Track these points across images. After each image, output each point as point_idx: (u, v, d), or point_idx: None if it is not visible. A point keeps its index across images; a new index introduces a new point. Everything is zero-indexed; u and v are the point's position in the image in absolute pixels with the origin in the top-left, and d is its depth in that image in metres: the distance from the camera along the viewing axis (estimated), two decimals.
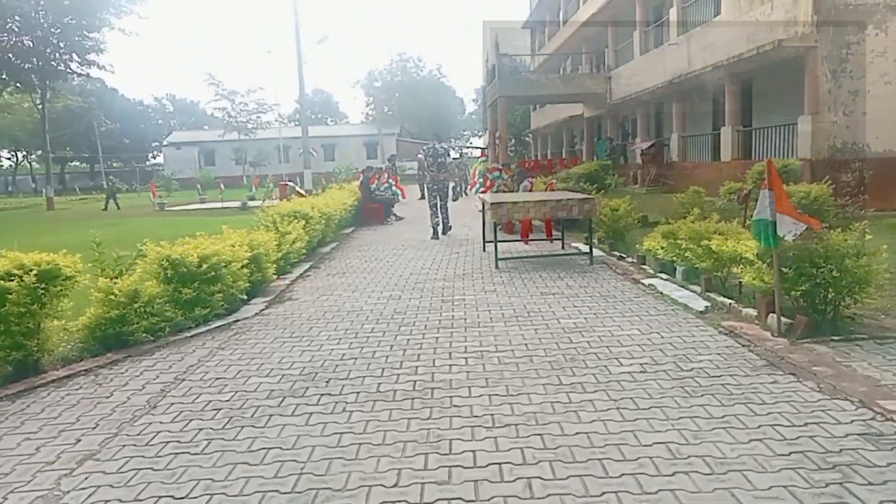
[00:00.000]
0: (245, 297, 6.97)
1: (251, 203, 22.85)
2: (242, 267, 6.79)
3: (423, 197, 27.01)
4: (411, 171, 28.83)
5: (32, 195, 60.88)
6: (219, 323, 6.16)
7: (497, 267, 8.60)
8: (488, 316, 6.03)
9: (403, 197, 19.81)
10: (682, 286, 6.68)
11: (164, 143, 62.18)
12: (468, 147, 68.38)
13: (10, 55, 34.98)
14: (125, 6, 36.74)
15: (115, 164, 77.32)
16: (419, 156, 13.63)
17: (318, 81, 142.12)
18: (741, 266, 5.42)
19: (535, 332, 5.39)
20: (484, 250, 10.26)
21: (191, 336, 5.77)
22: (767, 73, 17.08)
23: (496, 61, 27.90)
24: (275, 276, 8.02)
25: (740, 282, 5.78)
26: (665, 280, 7.11)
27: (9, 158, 72.72)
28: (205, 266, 6.14)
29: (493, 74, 28.86)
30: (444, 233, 12.75)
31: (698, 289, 6.37)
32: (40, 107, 38.14)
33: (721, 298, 5.93)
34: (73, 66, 37.09)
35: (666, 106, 24.84)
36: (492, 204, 8.43)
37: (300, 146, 60.48)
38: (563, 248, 10.26)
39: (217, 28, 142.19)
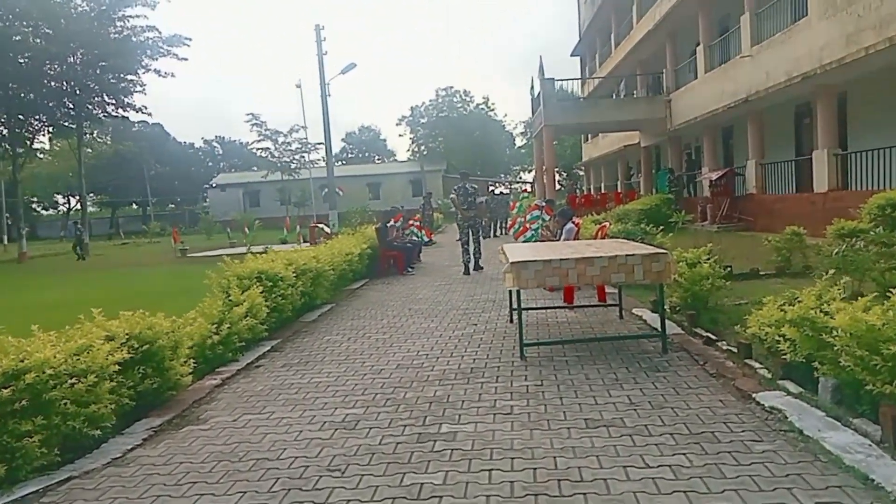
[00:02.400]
0: (119, 419, 4.44)
1: (280, 246, 20.75)
2: (111, 378, 4.29)
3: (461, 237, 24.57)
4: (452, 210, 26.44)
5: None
6: (28, 490, 3.62)
7: (523, 356, 5.87)
8: (487, 487, 3.31)
9: (429, 238, 17.24)
10: (837, 418, 3.80)
11: (210, 185, 61.63)
12: (517, 182, 65.80)
13: (46, 99, 34.48)
14: (162, 48, 35.98)
15: (168, 206, 77.93)
16: (451, 196, 13.50)
17: (365, 118, 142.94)
18: None
19: None
20: (511, 321, 7.55)
21: None
22: (868, 84, 13.99)
23: (541, 87, 25.40)
24: (188, 377, 5.46)
25: None
26: (797, 398, 4.23)
27: (64, 203, 73.86)
28: (6, 391, 3.64)
29: (538, 102, 26.35)
30: (474, 269, 12.99)
31: (873, 428, 3.51)
32: (77, 151, 37.40)
33: None
34: (109, 108, 36.41)
35: (737, 130, 21.79)
36: (513, 263, 5.74)
37: (345, 184, 59.44)
38: (620, 316, 7.46)
39: (256, 67, 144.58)
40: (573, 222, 10.28)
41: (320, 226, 23.10)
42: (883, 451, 3.31)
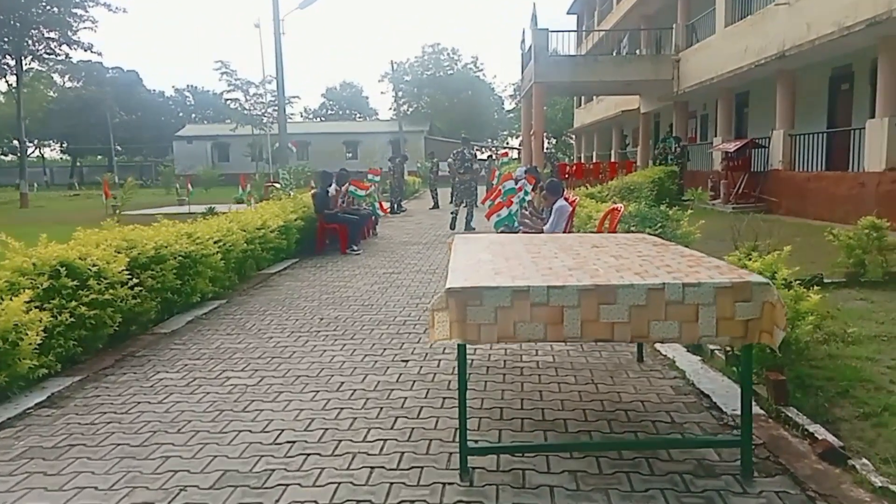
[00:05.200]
0: None
1: (235, 206, 17.57)
2: None
3: (435, 206, 21.63)
4: (443, 173, 23.73)
5: (45, 188, 57.39)
6: None
7: (465, 472, 2.98)
8: None
9: (383, 211, 14.22)
10: None
11: (176, 136, 57.60)
12: (505, 148, 62.47)
13: None
14: None
15: (135, 159, 73.70)
16: (448, 160, 14.68)
17: (347, 73, 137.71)
18: None
19: None
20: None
21: None
22: None
23: (533, 39, 22.19)
24: None
25: None
26: None
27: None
28: None
29: (528, 56, 23.17)
30: (465, 229, 12.87)
31: None
32: (16, 91, 33.56)
33: None
34: (52, 45, 32.59)
35: (754, 96, 18.87)
36: (451, 292, 2.80)
37: (320, 142, 55.88)
38: (639, 357, 4.60)
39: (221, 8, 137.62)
40: (565, 199, 7.37)
41: (276, 185, 20.04)
42: None
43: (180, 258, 6.20)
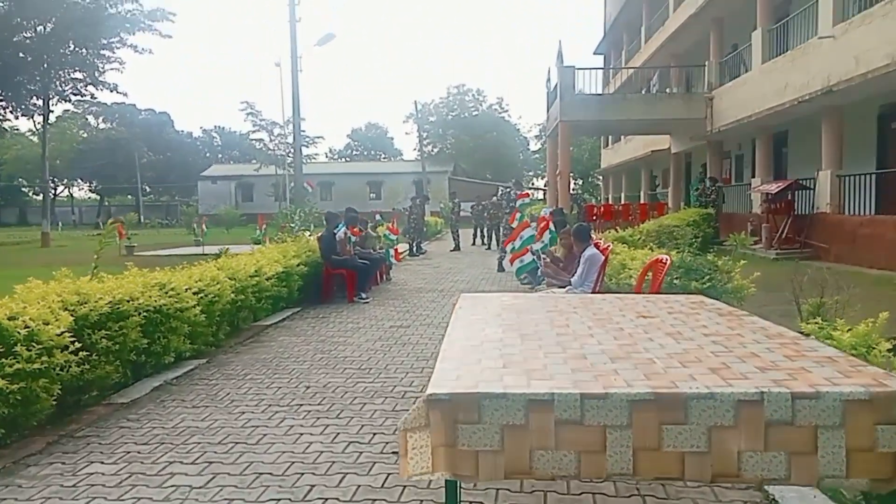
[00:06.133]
0: None
1: (246, 247, 16.82)
2: None
3: (457, 248, 20.75)
4: (465, 214, 23.20)
5: (73, 227, 57.83)
6: None
7: None
8: None
9: (397, 259, 13.30)
10: None
11: (200, 176, 57.85)
12: (531, 188, 61.73)
13: (11, 72, 30.73)
14: (144, 22, 32.33)
15: (162, 199, 74.35)
16: (493, 199, 15.34)
17: (373, 115, 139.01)
18: None
19: None
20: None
21: None
22: None
23: (559, 77, 21.49)
24: None
25: None
26: None
27: (56, 189, 70.52)
28: None
29: (554, 94, 22.46)
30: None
31: None
32: (42, 131, 33.69)
33: None
34: (79, 85, 32.78)
35: (794, 135, 17.84)
36: (431, 404, 1.88)
37: (344, 182, 55.68)
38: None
39: (245, 53, 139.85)
40: (595, 245, 6.41)
41: (292, 226, 19.38)
42: None
43: (148, 313, 5.35)
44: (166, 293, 5.68)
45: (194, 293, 6.15)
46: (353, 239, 10.42)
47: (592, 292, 6.00)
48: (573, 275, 6.19)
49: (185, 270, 6.63)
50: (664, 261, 4.87)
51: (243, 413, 4.58)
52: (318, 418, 4.43)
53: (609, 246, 6.49)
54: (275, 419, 4.43)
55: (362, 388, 5.16)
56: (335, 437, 4.06)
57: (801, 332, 3.32)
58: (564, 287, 6.15)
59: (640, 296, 3.74)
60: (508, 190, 14.54)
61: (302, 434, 4.12)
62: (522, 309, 3.36)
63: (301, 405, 4.73)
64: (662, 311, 3.13)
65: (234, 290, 7.10)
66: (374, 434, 4.10)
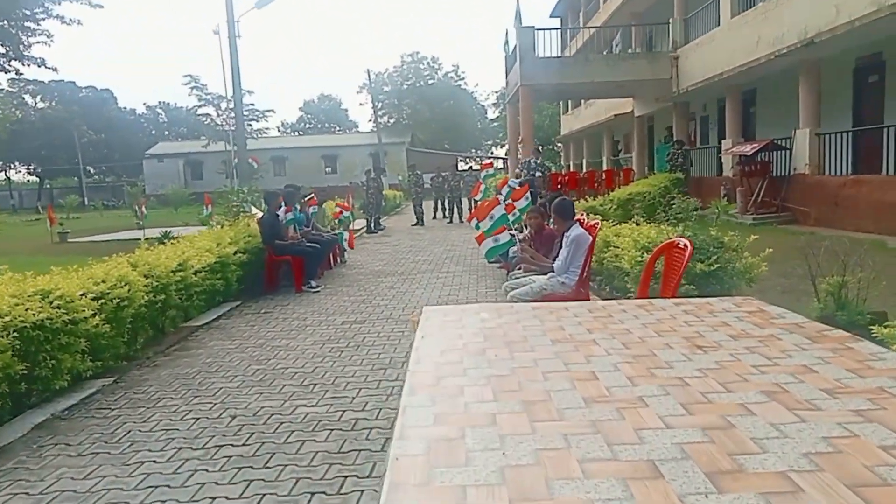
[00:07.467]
0: None
1: (192, 229, 15.31)
2: None
3: (419, 222, 19.69)
4: (429, 187, 22.43)
5: (13, 212, 54.67)
6: None
7: None
8: None
9: (351, 247, 12.09)
10: None
11: (146, 154, 55.15)
12: (489, 157, 60.62)
13: None
14: None
15: (107, 179, 71.08)
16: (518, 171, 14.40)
17: (325, 86, 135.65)
18: None
19: None
20: None
21: None
22: None
23: (518, 39, 20.34)
24: None
25: None
26: None
27: None
28: None
29: (513, 58, 21.31)
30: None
31: None
32: None
33: None
34: (2, 61, 30.29)
35: (762, 94, 17.15)
36: None
37: (298, 157, 53.73)
38: None
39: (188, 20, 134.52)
40: (580, 223, 5.42)
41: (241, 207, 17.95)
42: None
43: (24, 331, 4.18)
44: (50, 303, 4.49)
45: (93, 298, 4.97)
46: (297, 216, 9.22)
47: (580, 279, 5.02)
48: (555, 259, 5.19)
49: (85, 270, 5.42)
50: (682, 245, 3.85)
51: (142, 463, 3.49)
52: (241, 468, 3.37)
53: (597, 223, 5.48)
54: (182, 472, 3.35)
55: (302, 414, 4.10)
56: (259, 501, 3.00)
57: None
58: (546, 274, 5.15)
59: (672, 302, 2.71)
60: (528, 159, 15.18)
61: (215, 499, 3.05)
62: (508, 323, 2.32)
63: (220, 447, 3.65)
64: (719, 332, 2.13)
65: (151, 289, 5.91)
66: (313, 493, 3.06)
